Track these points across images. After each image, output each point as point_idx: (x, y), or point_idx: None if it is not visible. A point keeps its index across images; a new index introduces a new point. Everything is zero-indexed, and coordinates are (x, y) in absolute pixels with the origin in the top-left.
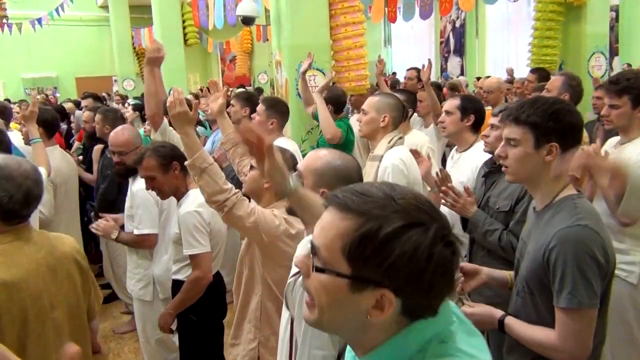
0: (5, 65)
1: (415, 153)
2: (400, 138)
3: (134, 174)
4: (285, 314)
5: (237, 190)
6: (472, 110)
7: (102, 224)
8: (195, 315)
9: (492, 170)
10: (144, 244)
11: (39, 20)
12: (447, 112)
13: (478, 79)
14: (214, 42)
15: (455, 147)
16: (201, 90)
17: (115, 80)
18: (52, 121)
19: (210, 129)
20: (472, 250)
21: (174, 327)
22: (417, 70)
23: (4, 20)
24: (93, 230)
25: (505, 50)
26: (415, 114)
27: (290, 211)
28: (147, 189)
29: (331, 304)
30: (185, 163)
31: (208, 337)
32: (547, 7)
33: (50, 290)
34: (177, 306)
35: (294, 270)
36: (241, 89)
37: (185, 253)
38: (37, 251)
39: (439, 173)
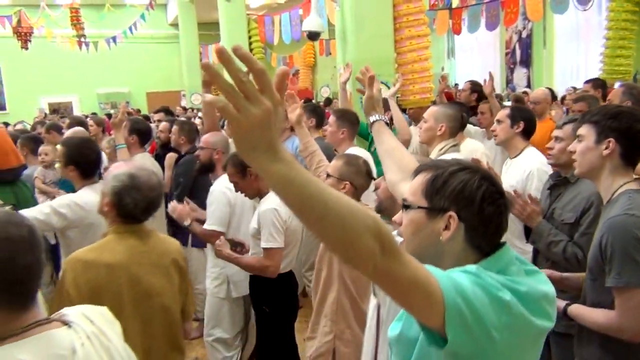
0: (82, 81)
1: (475, 162)
2: (454, 146)
3: (209, 171)
4: (372, 301)
5: None
6: (521, 118)
7: (179, 207)
8: (268, 307)
9: (557, 183)
10: (210, 239)
11: (114, 39)
12: (498, 121)
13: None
14: (277, 56)
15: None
16: None
17: (184, 95)
18: (145, 130)
19: None
20: (537, 261)
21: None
22: (472, 82)
23: (82, 39)
24: (169, 210)
25: (574, 61)
26: (477, 127)
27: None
28: (236, 191)
29: (414, 232)
30: None
31: (281, 332)
32: (620, 16)
33: (149, 280)
34: (232, 258)
35: None
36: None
37: (262, 246)
38: (143, 245)
39: None
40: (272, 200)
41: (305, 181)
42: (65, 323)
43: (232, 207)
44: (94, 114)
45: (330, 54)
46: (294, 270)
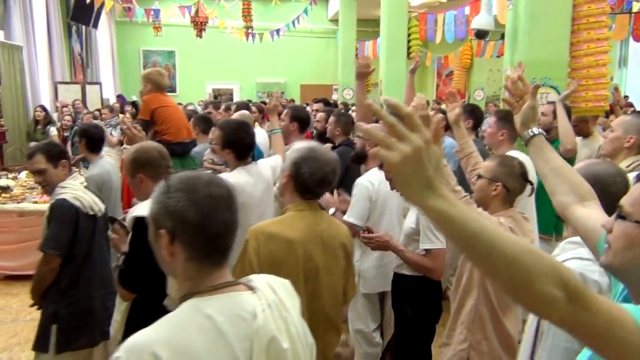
0: (244, 70)
1: None
2: None
3: (361, 161)
4: None
5: (465, 194)
6: None
7: (327, 196)
8: (411, 309)
9: None
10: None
11: (278, 31)
12: None
13: None
14: (432, 56)
15: None
16: None
17: (335, 89)
18: (305, 118)
19: None
20: None
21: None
22: None
23: (250, 30)
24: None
25: None
26: None
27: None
28: (392, 189)
29: (626, 247)
30: None
31: (422, 336)
32: None
33: (320, 258)
34: (398, 250)
35: None
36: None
37: (422, 247)
38: (317, 224)
39: None
40: None
41: (467, 219)
42: (251, 288)
43: (373, 202)
44: (249, 101)
45: (483, 54)
46: None
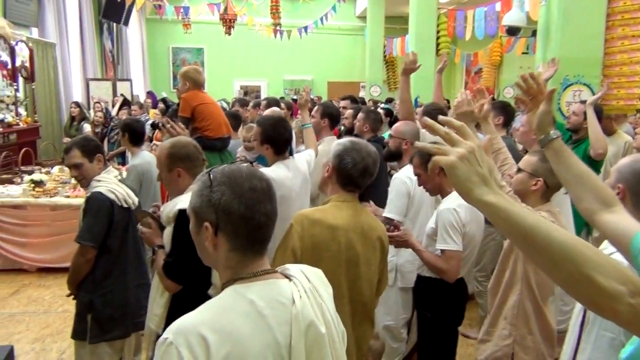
0: (271, 67)
1: None
2: None
3: (396, 159)
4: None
5: (510, 189)
6: None
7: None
8: (430, 313)
9: None
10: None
11: (305, 29)
12: None
13: None
14: (461, 53)
15: None
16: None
17: (363, 86)
18: (336, 114)
19: None
20: None
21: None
22: None
23: (278, 27)
24: None
25: None
26: None
27: None
28: (419, 185)
29: None
30: None
31: (443, 339)
32: None
33: (360, 248)
34: (416, 249)
35: None
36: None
37: (437, 247)
38: (357, 215)
39: None
40: (452, 200)
41: (522, 213)
42: (287, 276)
43: (411, 198)
44: (282, 98)
45: (512, 49)
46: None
